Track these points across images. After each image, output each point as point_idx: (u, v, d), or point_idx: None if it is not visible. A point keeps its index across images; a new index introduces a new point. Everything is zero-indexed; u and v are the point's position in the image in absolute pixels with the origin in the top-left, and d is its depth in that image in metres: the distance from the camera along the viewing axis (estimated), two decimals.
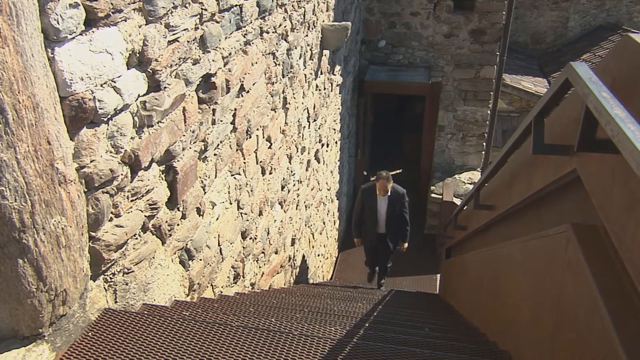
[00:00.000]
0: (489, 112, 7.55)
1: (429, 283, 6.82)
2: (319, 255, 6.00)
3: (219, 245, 2.80)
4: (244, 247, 3.24)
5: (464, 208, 3.43)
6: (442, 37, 7.16)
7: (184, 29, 2.11)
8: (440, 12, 7.01)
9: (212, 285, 2.77)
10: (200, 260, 2.56)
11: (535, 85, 9.37)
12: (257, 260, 3.57)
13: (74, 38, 1.47)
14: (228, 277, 3.03)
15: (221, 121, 2.65)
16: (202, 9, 2.25)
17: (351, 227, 6.08)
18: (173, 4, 1.99)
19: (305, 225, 5.09)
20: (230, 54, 2.63)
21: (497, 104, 7.55)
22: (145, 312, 1.90)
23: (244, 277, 3.30)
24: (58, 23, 1.39)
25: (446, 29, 7.09)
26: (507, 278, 1.95)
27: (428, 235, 7.76)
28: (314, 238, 5.60)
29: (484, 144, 7.81)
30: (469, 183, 7.67)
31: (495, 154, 8.29)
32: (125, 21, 1.70)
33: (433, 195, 7.60)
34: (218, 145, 2.65)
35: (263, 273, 3.75)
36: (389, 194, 5.33)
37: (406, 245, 5.77)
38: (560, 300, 1.37)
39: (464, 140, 7.83)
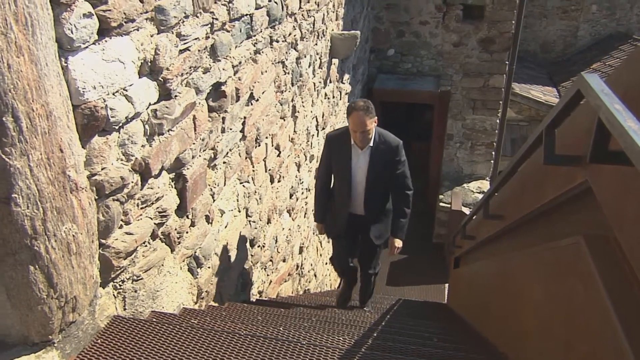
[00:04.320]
0: (498, 121, 7.53)
1: (437, 292, 6.78)
2: (326, 263, 6.00)
3: (227, 253, 2.80)
4: (252, 255, 3.24)
5: (473, 218, 3.42)
6: (451, 46, 7.17)
7: (195, 38, 2.13)
8: (449, 21, 7.02)
9: (220, 293, 2.77)
10: (209, 268, 2.57)
11: (544, 95, 9.34)
12: (265, 269, 3.56)
13: (87, 47, 1.48)
14: (236, 285, 3.02)
15: (231, 129, 2.66)
16: (213, 18, 2.27)
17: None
18: (185, 13, 2.01)
19: (313, 234, 5.09)
20: (240, 62, 2.65)
21: (506, 113, 7.52)
22: (154, 319, 1.91)
23: (252, 286, 3.30)
24: (72, 32, 1.40)
25: (455, 37, 7.10)
26: (517, 288, 1.94)
27: (436, 244, 7.72)
28: (321, 246, 5.59)
29: (493, 153, 7.78)
30: (477, 192, 7.64)
31: (504, 163, 8.25)
32: (138, 30, 1.72)
33: (441, 204, 7.57)
34: (227, 153, 2.67)
35: (271, 281, 3.75)
36: (370, 144, 3.18)
37: (400, 243, 3.39)
38: (571, 312, 1.35)
39: (473, 149, 7.81)
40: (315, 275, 5.28)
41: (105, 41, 1.57)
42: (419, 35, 7.24)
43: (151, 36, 1.81)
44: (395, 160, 3.27)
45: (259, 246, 3.36)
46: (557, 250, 1.36)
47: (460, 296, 4.01)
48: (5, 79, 1.17)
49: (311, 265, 5.05)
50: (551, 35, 10.94)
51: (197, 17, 2.14)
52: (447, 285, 6.44)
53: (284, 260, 4.05)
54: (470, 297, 3.41)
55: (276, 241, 3.77)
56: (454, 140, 7.80)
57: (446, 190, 7.77)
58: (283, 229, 3.95)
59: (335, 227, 3.58)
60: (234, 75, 2.60)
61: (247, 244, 3.15)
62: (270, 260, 3.66)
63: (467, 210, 7.15)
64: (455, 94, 7.44)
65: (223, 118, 2.53)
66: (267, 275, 3.65)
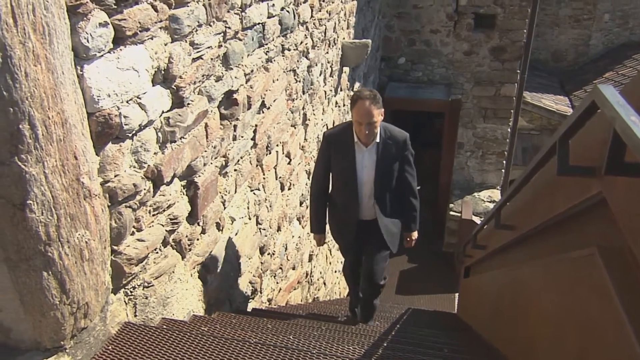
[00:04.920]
0: (509, 130, 7.49)
1: (447, 302, 6.73)
2: (335, 271, 5.98)
3: (237, 260, 2.81)
4: (262, 263, 3.24)
5: (484, 227, 3.39)
6: (462, 55, 7.16)
7: (208, 47, 2.15)
8: (460, 30, 7.02)
9: (229, 300, 2.78)
10: (219, 275, 2.57)
11: (556, 103, 9.28)
12: (274, 276, 3.56)
13: (102, 56, 1.50)
14: (246, 292, 3.03)
15: (242, 137, 2.67)
16: (226, 27, 2.29)
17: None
18: (198, 22, 2.03)
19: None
20: (252, 71, 2.67)
21: (517, 122, 7.49)
22: (164, 326, 1.91)
23: (261, 293, 3.30)
24: (88, 41, 1.42)
25: (466, 46, 7.09)
26: (529, 299, 1.92)
27: (446, 253, 7.67)
28: (331, 254, 5.58)
29: (504, 162, 7.74)
30: (488, 201, 7.60)
31: (515, 172, 8.20)
32: (152, 39, 1.74)
33: (452, 213, 7.53)
34: (238, 160, 2.68)
35: (280, 289, 3.74)
36: (377, 140, 2.89)
37: (415, 234, 3.30)
38: (585, 324, 1.34)
39: (484, 158, 7.77)
40: (324, 284, 5.27)
41: (120, 50, 1.58)
42: (430, 44, 7.24)
43: (165, 45, 1.82)
44: (404, 155, 2.99)
45: (269, 254, 3.36)
46: (571, 261, 1.35)
47: (471, 306, 3.98)
48: (22, 87, 1.19)
49: (320, 273, 5.04)
50: (563, 44, 10.89)
51: (210, 26, 2.16)
52: (457, 294, 6.40)
53: (293, 268, 4.04)
54: (481, 307, 3.38)
55: (286, 249, 3.77)
56: (464, 148, 7.77)
57: (456, 199, 7.73)
58: (293, 236, 3.95)
59: (343, 237, 3.23)
60: (246, 83, 2.62)
61: (257, 252, 3.15)
62: (280, 268, 3.66)
63: (477, 220, 7.11)
64: (466, 102, 7.42)
65: (234, 126, 2.54)
66: (277, 283, 3.64)
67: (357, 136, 2.89)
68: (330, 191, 3.19)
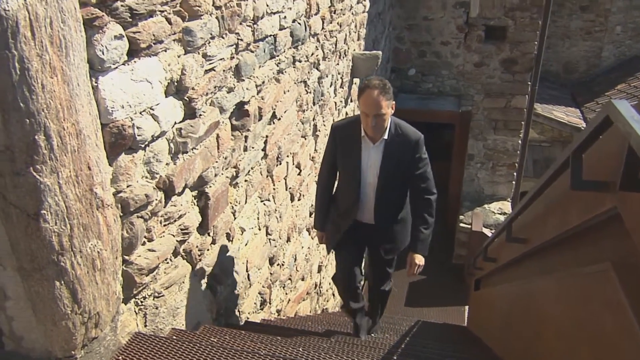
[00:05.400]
0: (519, 141, 7.46)
1: (456, 314, 6.67)
2: None
3: (247, 271, 2.81)
4: (271, 273, 3.24)
5: (495, 240, 3.37)
6: (473, 66, 7.16)
7: (220, 59, 2.17)
8: (470, 42, 7.02)
9: (239, 311, 2.77)
10: (228, 285, 2.57)
11: (567, 115, 9.23)
12: (283, 287, 3.56)
13: (117, 68, 1.52)
14: (255, 303, 3.02)
15: (253, 148, 2.69)
16: (238, 39, 2.31)
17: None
18: (211, 34, 2.05)
19: (329, 253, 5.07)
20: (263, 82, 2.68)
21: (528, 133, 7.45)
22: (174, 337, 1.91)
23: (270, 304, 3.29)
24: (103, 54, 1.44)
25: (477, 58, 7.09)
26: (540, 314, 1.90)
27: (456, 265, 7.62)
28: None
29: (515, 174, 7.70)
30: (499, 213, 7.55)
31: (526, 184, 8.15)
32: (166, 51, 1.76)
33: (462, 224, 7.49)
34: (249, 171, 2.69)
35: (289, 300, 3.73)
36: (385, 137, 2.65)
37: (421, 260, 2.75)
38: (598, 340, 1.32)
39: (494, 170, 7.73)
40: (333, 295, 5.25)
41: (134, 62, 1.60)
42: (440, 56, 7.25)
43: (178, 57, 1.84)
44: (415, 159, 2.65)
45: (278, 264, 3.36)
46: (584, 276, 1.33)
47: (481, 319, 3.94)
48: (39, 99, 1.20)
49: (329, 284, 5.02)
50: (574, 55, 10.85)
51: (223, 38, 2.18)
52: (467, 307, 6.34)
53: (302, 279, 4.03)
54: (492, 320, 3.35)
55: (295, 260, 3.76)
56: (474, 160, 7.74)
57: (466, 210, 7.69)
58: (302, 247, 3.94)
59: (341, 239, 2.93)
60: (257, 94, 2.64)
61: (267, 262, 3.15)
62: (289, 279, 3.66)
63: (487, 232, 7.05)
64: (477, 114, 7.41)
65: (245, 137, 2.56)
66: (286, 293, 3.63)
67: (364, 130, 2.66)
68: (335, 188, 3.00)
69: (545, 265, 1.89)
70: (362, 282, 3.18)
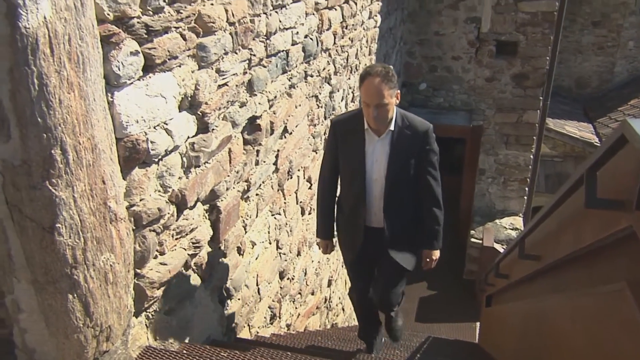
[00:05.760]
0: (531, 156, 7.41)
1: (467, 331, 6.59)
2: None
3: (257, 285, 2.80)
4: (281, 288, 3.23)
5: (507, 256, 3.34)
6: (484, 81, 7.15)
7: (234, 74, 2.19)
8: (482, 57, 7.03)
9: (249, 325, 2.76)
10: (239, 299, 2.57)
11: (580, 130, 9.17)
12: (293, 301, 3.54)
13: (132, 83, 1.54)
14: (265, 317, 3.01)
15: (264, 162, 2.70)
16: (251, 54, 2.34)
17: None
18: (224, 50, 2.07)
19: (342, 267, 5.05)
20: (275, 97, 2.70)
21: (540, 148, 7.41)
22: (184, 351, 1.91)
23: (280, 318, 3.28)
24: (119, 69, 1.47)
25: (488, 73, 7.09)
26: (554, 333, 1.87)
27: (467, 280, 7.54)
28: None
29: (527, 189, 7.64)
30: (510, 228, 7.48)
31: (538, 199, 8.09)
32: (180, 67, 1.78)
33: (473, 239, 7.43)
34: (260, 185, 2.69)
35: (299, 314, 3.72)
36: (391, 128, 2.47)
37: (437, 254, 2.69)
38: None
39: (506, 185, 7.68)
40: (343, 309, 5.21)
41: (149, 77, 1.63)
42: (451, 70, 7.26)
43: (192, 72, 1.87)
44: (425, 150, 2.47)
45: (288, 278, 3.35)
46: (600, 295, 1.32)
47: (493, 336, 3.89)
48: (56, 114, 1.22)
49: (339, 298, 4.99)
50: (586, 71, 10.81)
51: (236, 53, 2.20)
52: (478, 323, 6.26)
53: (312, 293, 4.02)
54: (504, 338, 3.30)
55: (305, 274, 3.75)
56: (486, 175, 7.70)
57: (478, 225, 7.63)
58: (312, 261, 3.93)
59: (350, 249, 2.72)
60: (269, 109, 2.66)
61: (277, 276, 3.15)
62: (299, 293, 3.64)
63: (499, 247, 6.99)
64: (488, 128, 7.38)
65: (257, 151, 2.57)
66: (296, 308, 3.62)
67: (367, 123, 2.46)
68: (339, 191, 2.75)
69: (559, 284, 1.87)
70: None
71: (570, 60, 10.69)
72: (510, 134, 7.35)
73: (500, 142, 7.43)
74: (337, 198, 2.77)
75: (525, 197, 7.71)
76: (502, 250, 6.71)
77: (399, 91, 2.42)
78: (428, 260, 2.70)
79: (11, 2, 1.07)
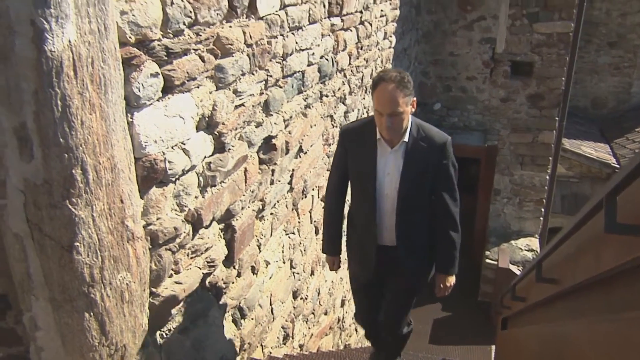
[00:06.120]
0: (547, 177, 7.35)
1: (482, 354, 6.48)
2: None
3: (270, 304, 2.79)
4: (294, 307, 3.21)
5: (524, 278, 3.29)
6: (499, 101, 7.14)
7: (250, 94, 2.22)
8: (496, 77, 7.02)
9: (261, 345, 2.75)
10: (252, 319, 2.56)
11: (596, 151, 9.08)
12: (306, 321, 3.52)
13: (151, 104, 1.57)
14: (278, 337, 2.99)
15: (279, 181, 2.71)
16: (267, 75, 2.37)
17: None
18: (242, 71, 2.10)
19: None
20: (291, 117, 2.73)
21: (556, 169, 7.34)
22: None
23: (293, 338, 3.26)
24: (139, 91, 1.49)
25: (503, 93, 7.08)
26: (573, 358, 1.83)
27: (482, 302, 7.44)
28: None
29: (543, 209, 7.55)
30: (526, 250, 7.39)
31: (554, 220, 7.98)
32: (198, 88, 1.81)
33: (488, 260, 7.34)
34: (275, 204, 2.70)
35: (312, 334, 3.69)
36: (406, 139, 2.31)
37: (452, 280, 2.51)
38: None
39: (521, 205, 7.60)
40: (356, 330, 5.16)
41: (168, 98, 1.65)
42: (466, 90, 7.26)
43: (210, 93, 1.89)
44: (442, 165, 2.30)
45: (301, 298, 3.33)
46: (621, 322, 1.29)
47: None
48: (77, 134, 1.25)
49: (352, 319, 4.95)
50: (603, 91, 10.75)
51: (253, 74, 2.23)
52: (493, 347, 6.15)
53: (325, 313, 3.99)
54: None
55: (319, 293, 3.73)
56: (501, 195, 7.64)
57: (493, 246, 7.54)
58: (326, 281, 3.91)
59: (361, 270, 2.56)
60: (285, 129, 2.68)
61: (290, 296, 3.13)
62: (312, 313, 3.62)
63: (515, 269, 6.90)
64: (503, 148, 7.34)
65: (272, 170, 2.58)
66: (309, 328, 3.59)
67: (379, 132, 2.30)
68: (349, 204, 2.59)
69: (578, 308, 1.83)
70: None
71: (586, 81, 10.64)
72: (525, 154, 7.30)
73: (515, 163, 7.38)
74: (347, 212, 2.63)
75: (542, 218, 7.62)
76: (517, 272, 6.62)
77: (415, 99, 2.25)
78: (442, 286, 2.50)
79: (38, 26, 1.10)
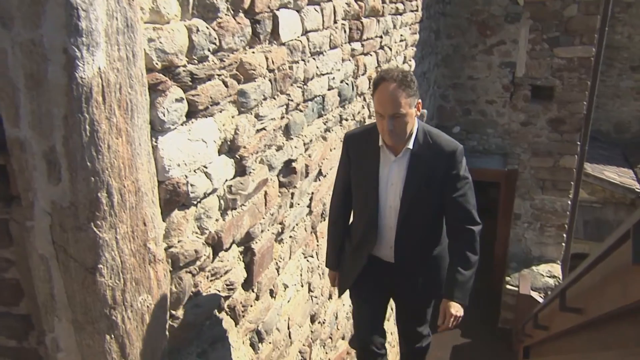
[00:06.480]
0: (569, 202, 7.23)
1: None
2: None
3: (288, 328, 2.77)
4: (312, 332, 3.18)
5: (546, 306, 3.22)
6: (519, 125, 7.09)
7: (271, 118, 2.24)
8: (516, 101, 6.99)
9: None
10: (270, 343, 2.54)
11: (619, 176, 8.93)
12: (324, 346, 3.48)
13: (175, 128, 1.60)
14: None
15: (298, 204, 2.71)
16: (288, 99, 2.39)
17: None
18: (264, 96, 2.13)
19: None
20: (311, 140, 2.74)
21: (578, 194, 7.23)
22: None
23: None
24: (164, 115, 1.52)
25: (523, 117, 7.03)
26: None
27: (502, 329, 7.28)
28: None
29: (565, 235, 7.42)
30: (548, 276, 7.24)
31: (576, 246, 7.83)
32: (221, 112, 1.84)
33: (508, 286, 7.20)
34: (294, 227, 2.70)
35: (329, 359, 3.64)
36: (410, 146, 2.14)
37: (459, 310, 2.12)
38: None
39: (542, 230, 7.48)
40: None
41: (192, 122, 1.68)
42: (486, 114, 7.25)
43: (232, 117, 1.92)
44: (451, 176, 2.08)
45: (319, 322, 3.30)
46: None
47: None
48: (104, 158, 1.27)
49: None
50: (625, 115, 10.62)
51: (274, 98, 2.26)
52: None
53: (343, 338, 3.94)
54: None
55: (336, 318, 3.69)
56: (521, 220, 7.53)
57: (513, 272, 7.41)
58: (344, 304, 3.87)
59: (347, 276, 2.42)
60: (305, 152, 2.69)
61: (308, 320, 3.11)
62: (330, 338, 3.58)
63: (536, 295, 6.76)
64: (523, 172, 7.26)
65: (292, 193, 2.59)
66: (326, 353, 3.55)
67: (382, 135, 2.11)
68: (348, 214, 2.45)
69: (605, 340, 1.79)
70: (385, 346, 2.55)
71: (609, 105, 10.53)
72: (546, 178, 7.21)
73: (536, 187, 7.29)
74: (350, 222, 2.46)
75: (564, 244, 7.47)
76: (539, 299, 6.48)
77: (420, 101, 2.06)
78: (445, 315, 2.14)
79: (70, 54, 1.13)
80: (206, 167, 1.78)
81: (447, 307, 2.14)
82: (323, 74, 2.82)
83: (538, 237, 7.53)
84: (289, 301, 2.75)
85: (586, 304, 1.94)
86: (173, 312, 1.71)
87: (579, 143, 6.89)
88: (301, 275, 2.90)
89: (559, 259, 7.54)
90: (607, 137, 10.67)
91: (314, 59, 2.65)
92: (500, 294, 7.41)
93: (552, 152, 7.04)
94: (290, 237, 2.68)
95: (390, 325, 4.23)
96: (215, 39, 1.72)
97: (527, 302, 6.21)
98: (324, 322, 3.40)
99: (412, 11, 4.92)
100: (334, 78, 2.99)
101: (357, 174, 2.29)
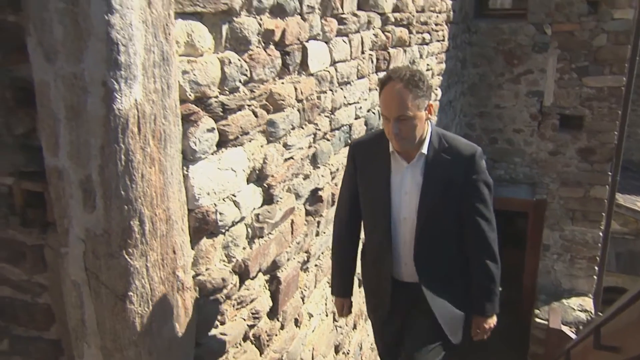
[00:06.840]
0: (600, 233, 7.04)
1: None
2: None
3: (312, 358, 2.74)
4: None
5: (579, 343, 3.11)
6: (547, 155, 6.99)
7: (299, 148, 2.27)
8: (544, 130, 6.92)
9: None
10: None
11: None
12: None
13: (206, 157, 1.62)
14: None
15: (324, 233, 2.71)
16: (316, 129, 2.42)
17: None
18: (292, 125, 2.16)
19: None
20: (337, 169, 2.75)
21: (609, 225, 7.04)
22: None
23: None
24: (195, 145, 1.55)
25: (551, 146, 6.94)
26: None
27: None
28: None
29: (596, 267, 7.20)
30: (579, 310, 7.01)
31: (609, 279, 7.58)
32: (250, 142, 1.87)
33: (538, 319, 6.99)
34: (319, 256, 2.70)
35: None
36: (424, 151, 1.96)
37: (492, 321, 2.08)
38: None
39: (573, 262, 7.28)
40: None
41: (222, 152, 1.71)
42: (513, 143, 7.17)
43: (261, 146, 1.95)
44: (471, 181, 1.92)
45: (343, 353, 3.25)
46: None
47: None
48: (137, 187, 1.30)
49: None
50: None
51: (302, 128, 2.28)
52: None
53: None
54: None
55: (360, 348, 3.63)
56: (550, 251, 7.35)
57: (542, 305, 7.20)
58: (368, 335, 3.81)
59: (375, 310, 2.24)
60: (331, 180, 2.70)
61: (332, 350, 3.07)
62: None
63: (567, 330, 6.53)
64: (552, 203, 7.13)
65: (318, 222, 2.59)
66: None
67: (391, 140, 1.93)
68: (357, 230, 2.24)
69: None
70: None
71: None
72: (576, 209, 7.05)
73: (565, 218, 7.13)
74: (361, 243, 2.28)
75: (595, 277, 7.25)
76: (570, 334, 6.26)
77: (431, 102, 1.90)
78: (479, 329, 2.08)
79: (109, 87, 1.17)
80: (235, 196, 1.80)
81: (479, 322, 2.08)
82: (350, 104, 2.84)
83: (568, 269, 7.34)
84: (313, 331, 2.72)
85: (623, 342, 1.87)
86: (199, 340, 1.71)
87: (610, 173, 6.75)
88: (326, 304, 2.87)
89: (590, 292, 7.31)
90: (639, 167, 10.42)
91: (341, 88, 2.68)
92: (529, 326, 7.19)
93: (582, 182, 6.90)
94: (316, 265, 2.67)
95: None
96: (246, 70, 1.76)
97: (558, 337, 6.00)
98: (348, 353, 3.35)
99: (438, 41, 4.96)
100: (360, 107, 3.01)
101: (366, 184, 2.08)
